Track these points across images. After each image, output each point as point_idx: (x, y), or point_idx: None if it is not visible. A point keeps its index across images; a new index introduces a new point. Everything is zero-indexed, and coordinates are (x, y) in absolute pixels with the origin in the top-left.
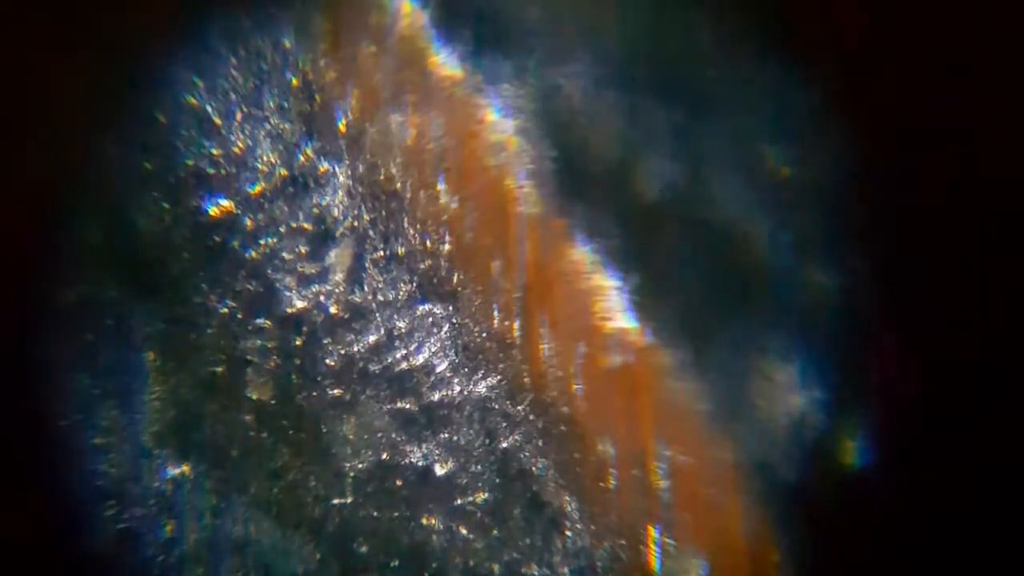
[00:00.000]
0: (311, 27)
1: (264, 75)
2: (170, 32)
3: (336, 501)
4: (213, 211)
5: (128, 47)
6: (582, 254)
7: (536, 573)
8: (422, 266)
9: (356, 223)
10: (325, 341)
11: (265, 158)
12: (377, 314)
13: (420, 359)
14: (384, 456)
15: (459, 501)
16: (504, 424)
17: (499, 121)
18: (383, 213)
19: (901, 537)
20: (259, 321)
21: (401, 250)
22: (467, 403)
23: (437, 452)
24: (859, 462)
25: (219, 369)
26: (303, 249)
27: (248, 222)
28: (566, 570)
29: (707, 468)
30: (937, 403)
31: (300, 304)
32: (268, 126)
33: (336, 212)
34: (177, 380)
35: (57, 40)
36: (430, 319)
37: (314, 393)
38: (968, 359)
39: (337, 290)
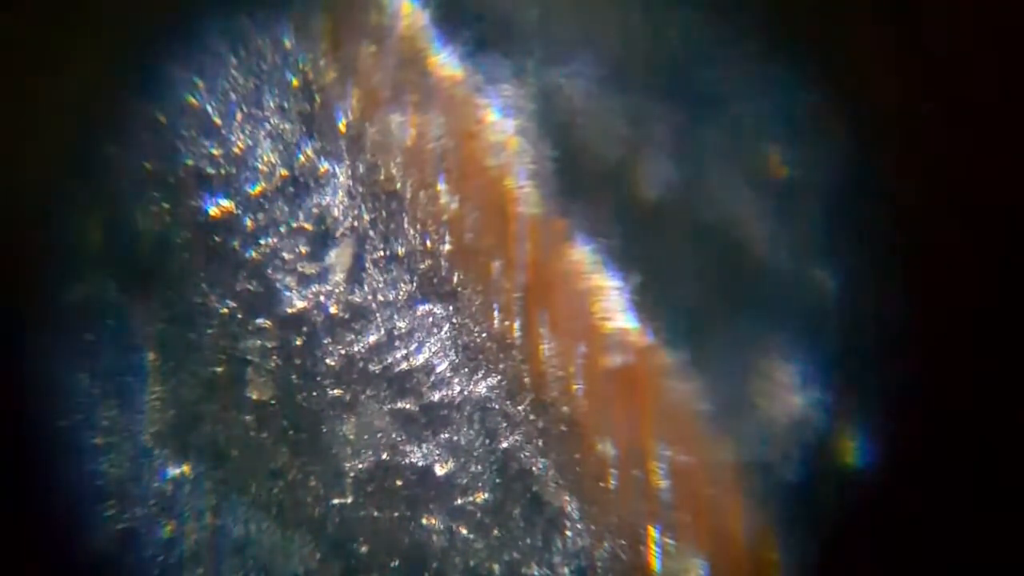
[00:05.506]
0: (311, 27)
1: (264, 75)
2: (170, 32)
3: (336, 501)
4: (213, 211)
5: (128, 47)
6: (582, 254)
7: (536, 573)
8: (422, 266)
9: (356, 223)
10: (325, 341)
11: (265, 158)
12: (377, 314)
13: (420, 359)
14: (384, 456)
15: (459, 501)
16: (504, 424)
17: (499, 121)
18: (383, 213)
19: (901, 537)
20: (259, 321)
21: (401, 250)
22: (467, 403)
23: (437, 452)
24: (859, 462)
25: (219, 369)
26: (303, 249)
27: (248, 222)
28: (566, 570)
29: (707, 468)
30: (937, 403)
31: (300, 304)
32: (268, 126)
33: (336, 212)
34: (177, 380)
35: (57, 40)
36: (430, 319)
37: (314, 393)
38: (968, 358)
39: (337, 290)
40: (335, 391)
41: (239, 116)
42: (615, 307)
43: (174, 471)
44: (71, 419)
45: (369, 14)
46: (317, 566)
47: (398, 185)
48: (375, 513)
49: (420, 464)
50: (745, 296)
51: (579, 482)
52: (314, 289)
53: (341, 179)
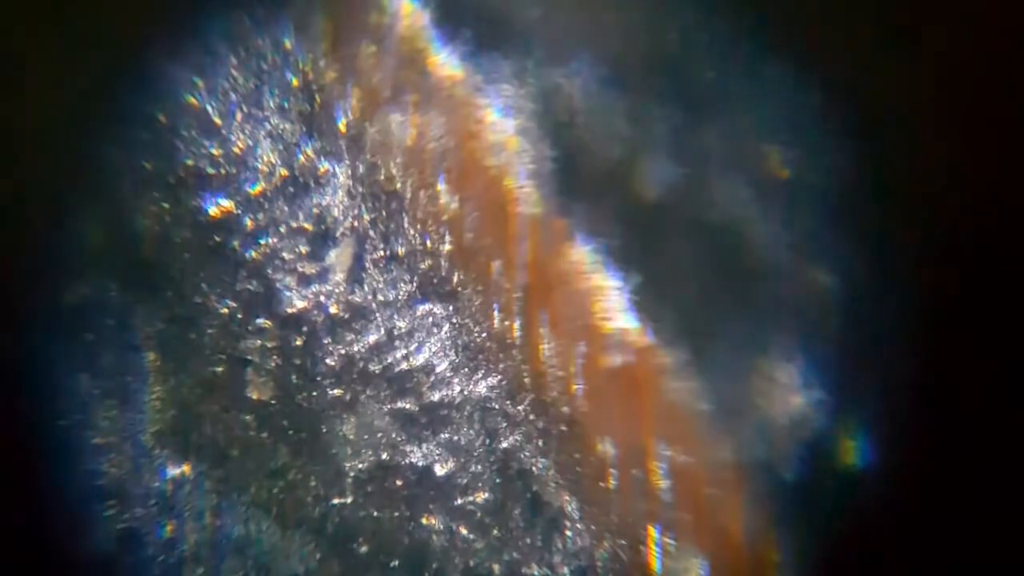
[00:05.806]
0: (311, 27)
1: (264, 75)
2: (170, 32)
3: (336, 501)
4: (213, 211)
5: (128, 46)
6: (582, 254)
7: (536, 573)
8: (422, 266)
9: (356, 223)
10: (325, 341)
11: (265, 158)
12: (377, 314)
13: (420, 359)
14: (384, 456)
15: (459, 501)
16: (504, 424)
17: (499, 121)
18: (383, 213)
19: (901, 537)
20: (259, 321)
21: (401, 250)
22: (467, 403)
23: (437, 452)
24: (859, 462)
25: (219, 369)
26: (303, 249)
27: (248, 222)
28: (566, 570)
29: (707, 468)
30: (937, 403)
31: (300, 304)
32: (268, 126)
33: (336, 212)
34: (177, 380)
35: (56, 39)
36: (430, 319)
37: (314, 393)
38: (968, 358)
39: (337, 290)
40: (335, 391)
41: (239, 116)
42: (615, 307)
43: (174, 471)
44: (71, 419)
45: (369, 14)
46: (317, 566)
47: (398, 185)
48: (375, 513)
49: (420, 464)
50: (745, 296)
51: (579, 482)
52: (314, 289)
53: (341, 179)
